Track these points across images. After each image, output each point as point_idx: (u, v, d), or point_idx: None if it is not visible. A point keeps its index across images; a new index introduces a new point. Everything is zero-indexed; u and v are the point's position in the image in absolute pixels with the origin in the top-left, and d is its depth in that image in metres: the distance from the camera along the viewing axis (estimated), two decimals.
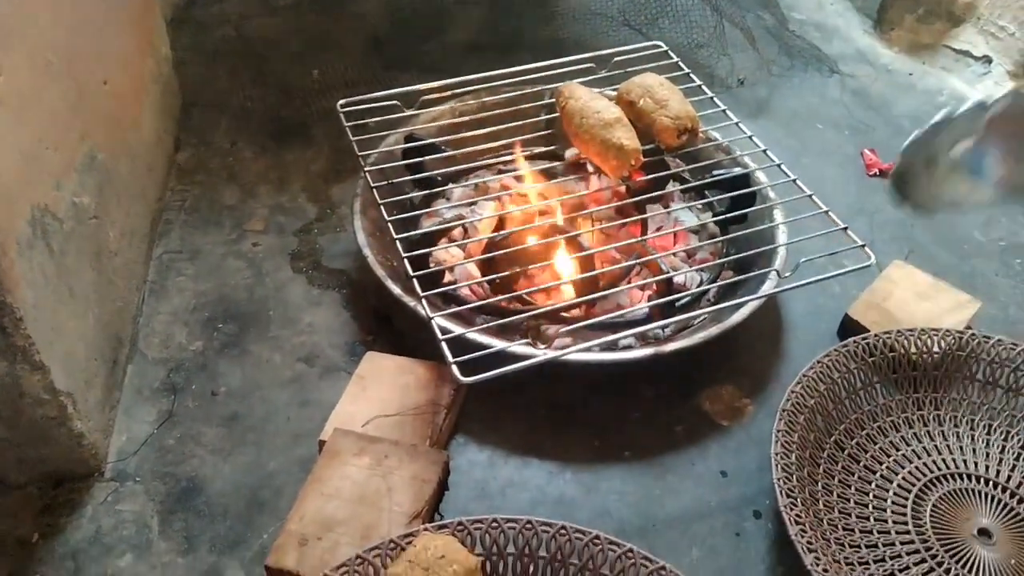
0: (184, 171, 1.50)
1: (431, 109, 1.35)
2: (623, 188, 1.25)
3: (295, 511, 0.90)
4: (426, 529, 0.84)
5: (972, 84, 1.84)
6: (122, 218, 1.20)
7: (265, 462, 1.06)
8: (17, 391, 0.90)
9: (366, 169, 1.20)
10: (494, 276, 1.15)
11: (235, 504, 1.01)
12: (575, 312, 1.17)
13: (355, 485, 0.93)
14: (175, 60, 1.58)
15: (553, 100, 1.24)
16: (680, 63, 1.39)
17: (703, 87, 1.35)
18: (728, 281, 1.21)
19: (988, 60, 1.84)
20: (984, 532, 1.00)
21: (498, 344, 1.00)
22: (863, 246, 1.09)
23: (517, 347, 1.00)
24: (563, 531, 0.86)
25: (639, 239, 1.20)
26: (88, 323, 1.04)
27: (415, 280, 1.02)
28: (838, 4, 2.11)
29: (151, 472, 1.04)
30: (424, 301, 0.99)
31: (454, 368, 0.90)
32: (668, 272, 1.13)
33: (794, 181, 1.18)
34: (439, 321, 0.98)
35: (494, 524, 0.86)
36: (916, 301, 1.24)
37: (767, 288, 1.14)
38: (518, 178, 1.30)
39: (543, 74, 1.33)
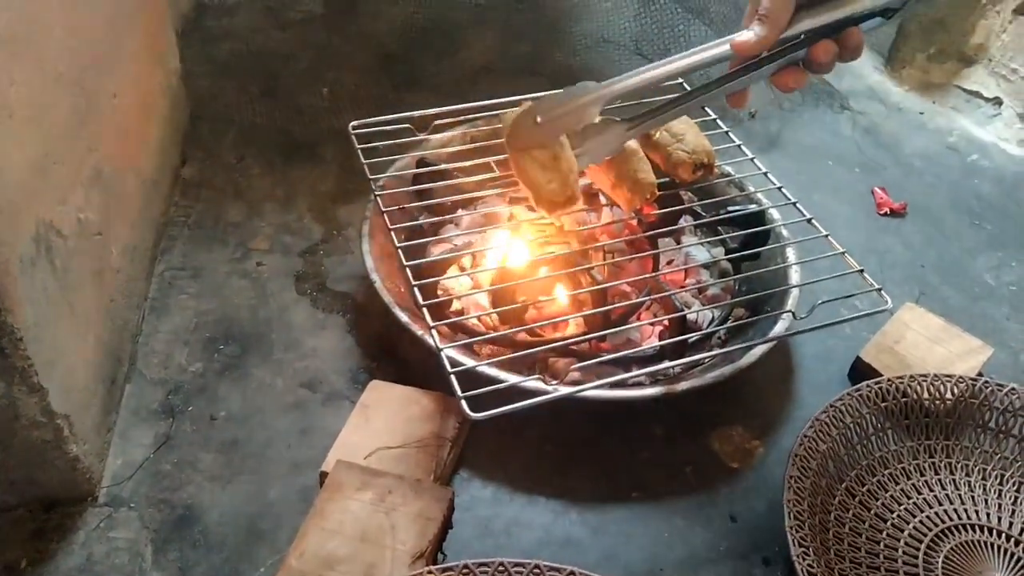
0: (189, 186, 1.48)
1: (442, 134, 1.34)
2: (635, 221, 1.24)
3: (295, 546, 0.87)
4: (430, 571, 0.82)
5: (982, 125, 1.84)
6: (125, 234, 1.18)
7: (264, 491, 1.03)
8: (12, 413, 0.88)
9: (376, 193, 1.18)
10: (503, 307, 1.13)
11: (232, 534, 0.99)
12: (584, 346, 1.15)
13: (357, 521, 0.90)
14: (183, 72, 1.56)
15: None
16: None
17: (718, 121, 1.33)
18: (741, 322, 1.19)
19: (999, 102, 1.84)
20: None
21: (510, 379, 0.98)
22: (879, 290, 1.07)
23: (529, 383, 0.97)
24: None
25: (651, 274, 1.18)
26: (88, 342, 1.02)
27: (425, 310, 1.00)
28: None
29: (146, 498, 1.02)
30: (434, 332, 0.97)
31: (464, 404, 0.87)
32: (682, 309, 1.11)
33: (809, 220, 1.17)
34: (449, 353, 0.96)
35: (500, 568, 0.84)
36: (928, 345, 1.23)
37: (780, 329, 1.12)
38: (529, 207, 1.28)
39: None
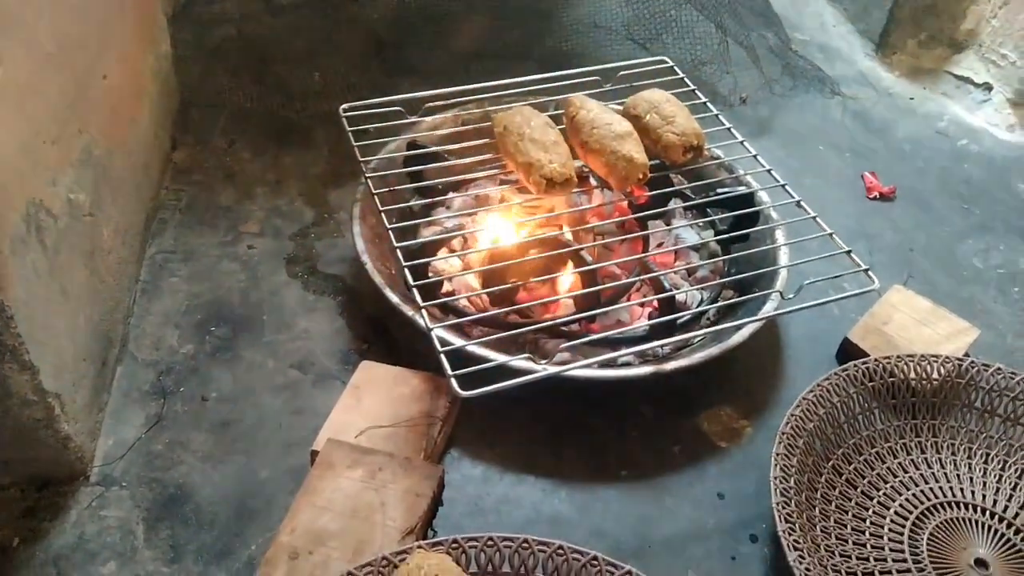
0: (180, 170, 1.48)
1: (433, 117, 1.34)
2: (625, 203, 1.24)
3: (286, 523, 0.88)
4: (420, 546, 0.83)
5: (972, 111, 1.85)
6: (116, 216, 1.18)
7: (255, 470, 1.04)
8: (3, 391, 0.88)
9: (367, 175, 1.18)
10: (494, 288, 1.14)
11: (224, 513, 0.99)
12: (574, 327, 1.15)
13: (348, 498, 0.91)
14: (174, 57, 1.56)
15: (562, 112, 1.22)
16: (686, 79, 1.38)
17: (708, 104, 1.34)
18: (730, 301, 1.20)
19: (988, 87, 1.85)
20: (981, 563, 0.99)
21: (498, 358, 0.99)
22: (867, 270, 1.08)
23: (517, 362, 0.98)
24: (560, 551, 0.84)
25: (641, 256, 1.19)
26: (79, 323, 1.02)
27: (415, 290, 1.00)
28: (841, 26, 2.11)
29: (138, 478, 1.02)
30: (424, 312, 0.97)
31: (453, 382, 0.88)
32: (671, 290, 1.12)
33: (798, 203, 1.18)
34: (439, 333, 0.96)
35: (489, 543, 0.85)
36: (916, 327, 1.23)
37: (769, 309, 1.13)
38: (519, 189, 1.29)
39: (548, 85, 1.32)
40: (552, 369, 0.96)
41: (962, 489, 1.07)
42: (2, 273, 0.82)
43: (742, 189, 1.26)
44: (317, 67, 1.72)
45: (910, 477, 1.08)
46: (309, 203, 1.44)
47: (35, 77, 0.94)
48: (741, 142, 1.27)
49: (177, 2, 1.75)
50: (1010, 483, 1.08)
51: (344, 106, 1.24)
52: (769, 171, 1.22)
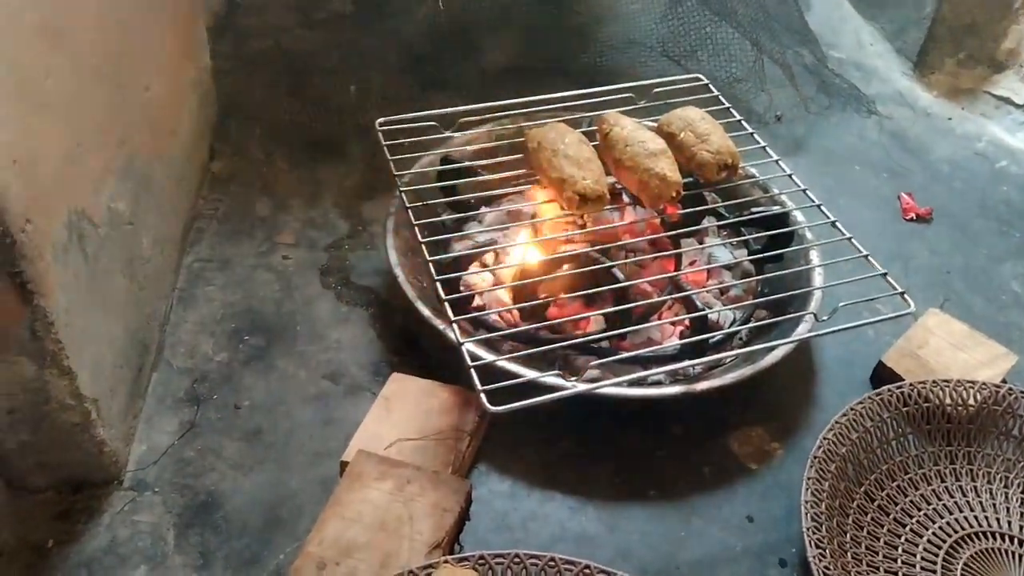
0: (218, 180, 1.50)
1: (467, 132, 1.35)
2: (658, 221, 1.24)
3: (315, 533, 0.89)
4: (447, 562, 0.83)
5: (1012, 132, 1.82)
6: (155, 224, 1.20)
7: (286, 480, 1.05)
8: (43, 396, 0.90)
9: (401, 189, 1.19)
10: (524, 304, 1.14)
11: (253, 521, 1.00)
12: (604, 344, 1.15)
13: (376, 510, 0.91)
14: (214, 69, 1.58)
15: (595, 128, 1.22)
16: (720, 97, 1.38)
17: (743, 122, 1.33)
18: (763, 322, 1.19)
19: None
20: None
21: (529, 374, 0.99)
22: (902, 294, 1.07)
23: (548, 378, 0.98)
24: (587, 570, 0.84)
25: (673, 274, 1.18)
26: (117, 329, 1.04)
27: (447, 304, 1.01)
28: (878, 44, 2.09)
29: (170, 483, 1.03)
30: (455, 326, 0.98)
31: (483, 397, 0.88)
32: (703, 309, 1.11)
33: (834, 223, 1.16)
34: (469, 347, 0.97)
35: (516, 560, 0.84)
36: (952, 351, 1.22)
37: (802, 331, 1.12)
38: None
39: (582, 102, 1.32)
40: (582, 386, 0.95)
41: (998, 519, 1.05)
42: (45, 280, 0.84)
43: (776, 208, 1.25)
44: (353, 80, 1.73)
45: (944, 505, 1.06)
46: (343, 215, 1.45)
47: (80, 88, 0.96)
48: (776, 161, 1.26)
49: (217, 15, 1.78)
50: None
51: (380, 120, 1.25)
52: (804, 191, 1.21)
